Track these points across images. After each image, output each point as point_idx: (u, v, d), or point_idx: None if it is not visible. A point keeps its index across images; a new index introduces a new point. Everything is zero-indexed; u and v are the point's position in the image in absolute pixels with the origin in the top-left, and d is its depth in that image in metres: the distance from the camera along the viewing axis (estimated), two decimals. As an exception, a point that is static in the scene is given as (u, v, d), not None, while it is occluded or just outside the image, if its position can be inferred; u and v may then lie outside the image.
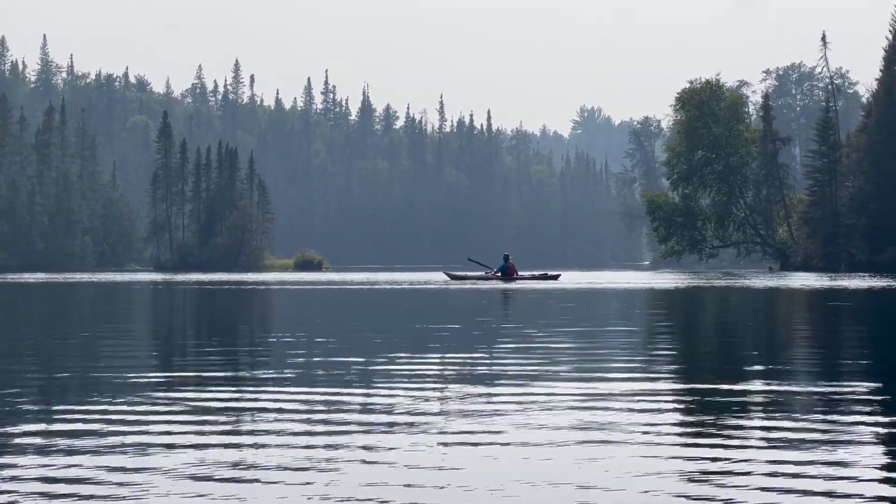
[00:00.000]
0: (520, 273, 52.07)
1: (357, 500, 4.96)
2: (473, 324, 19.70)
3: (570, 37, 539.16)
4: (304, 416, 7.55)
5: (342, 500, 4.94)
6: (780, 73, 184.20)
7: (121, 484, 5.32)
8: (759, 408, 8.05)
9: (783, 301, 30.98)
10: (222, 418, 7.49)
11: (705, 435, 6.69)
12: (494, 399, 8.40)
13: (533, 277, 51.60)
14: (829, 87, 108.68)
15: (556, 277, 50.98)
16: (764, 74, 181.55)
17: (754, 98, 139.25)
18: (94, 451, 6.19)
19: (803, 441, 6.44)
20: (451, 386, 9.35)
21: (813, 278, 54.11)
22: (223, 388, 9.22)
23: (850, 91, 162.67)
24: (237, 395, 8.77)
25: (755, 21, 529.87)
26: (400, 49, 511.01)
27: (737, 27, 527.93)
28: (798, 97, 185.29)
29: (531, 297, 32.03)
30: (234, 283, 50.94)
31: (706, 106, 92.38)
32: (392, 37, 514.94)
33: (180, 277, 67.58)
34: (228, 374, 10.65)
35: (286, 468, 5.67)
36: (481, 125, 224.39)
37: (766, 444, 6.32)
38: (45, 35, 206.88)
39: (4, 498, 5.03)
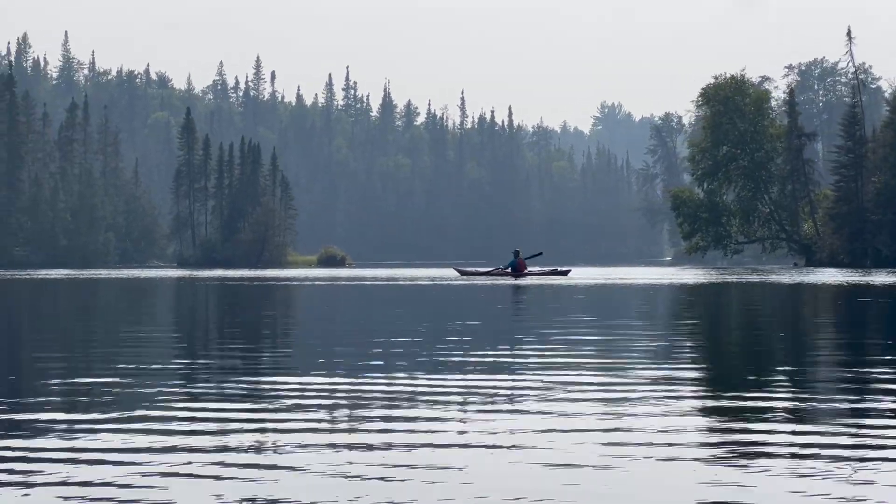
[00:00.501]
0: (529, 269, 52.09)
1: (380, 480, 4.94)
2: (493, 317, 19.57)
3: (590, 33, 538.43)
4: (327, 402, 7.56)
5: (363, 481, 4.92)
6: (803, 68, 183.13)
7: (146, 462, 5.34)
8: (784, 390, 7.92)
9: (811, 297, 30.69)
10: (246, 406, 7.42)
11: (731, 420, 6.58)
12: (516, 386, 8.29)
13: (542, 273, 51.66)
14: (855, 82, 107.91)
15: (565, 273, 51.11)
16: (786, 70, 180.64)
17: (776, 94, 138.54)
18: (118, 431, 6.22)
19: (828, 424, 6.43)
20: (473, 376, 9.26)
21: (840, 274, 53.74)
22: (249, 378, 9.13)
23: (874, 86, 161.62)
24: (263, 383, 8.67)
25: (756, 20, 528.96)
26: (421, 45, 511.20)
27: (738, 27, 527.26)
28: (820, 93, 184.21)
29: (543, 295, 31.83)
30: (259, 280, 50.98)
31: (731, 101, 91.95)
32: (413, 33, 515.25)
33: (204, 274, 67.70)
34: (255, 364, 10.56)
35: (308, 447, 5.68)
36: (502, 121, 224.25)
37: (789, 429, 6.23)
38: (66, 32, 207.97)
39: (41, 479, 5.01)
